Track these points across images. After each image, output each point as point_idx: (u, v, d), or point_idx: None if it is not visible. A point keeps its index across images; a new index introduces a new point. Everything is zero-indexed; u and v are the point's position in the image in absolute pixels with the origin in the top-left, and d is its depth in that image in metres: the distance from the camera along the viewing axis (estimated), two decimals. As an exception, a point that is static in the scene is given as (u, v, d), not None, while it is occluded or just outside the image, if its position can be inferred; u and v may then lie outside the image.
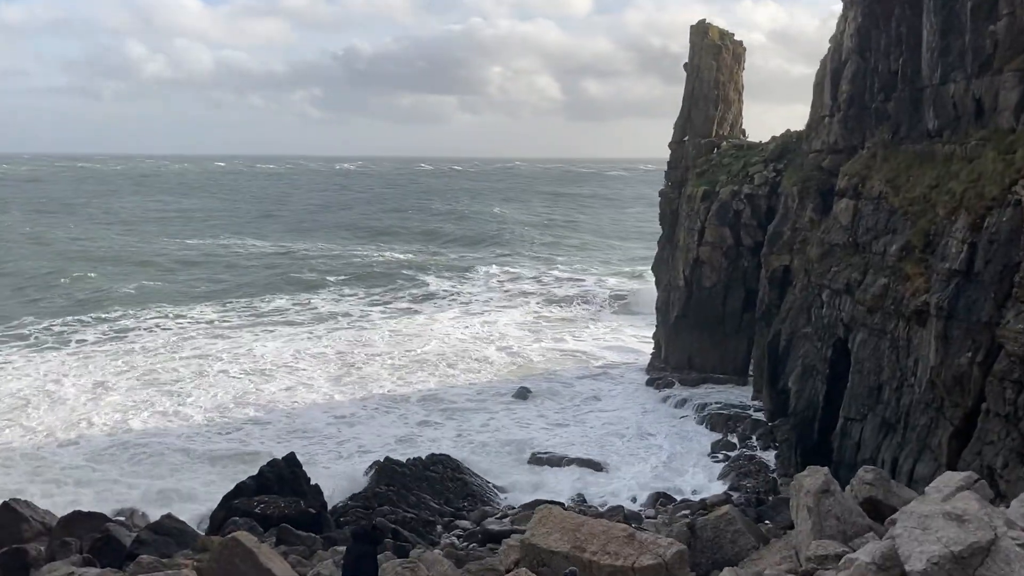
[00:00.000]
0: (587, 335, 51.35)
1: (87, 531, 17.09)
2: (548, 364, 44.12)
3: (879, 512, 12.49)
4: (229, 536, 13.14)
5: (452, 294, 64.58)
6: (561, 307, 59.72)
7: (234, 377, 40.85)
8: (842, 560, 10.07)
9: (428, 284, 68.67)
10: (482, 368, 43.27)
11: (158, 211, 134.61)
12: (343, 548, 18.33)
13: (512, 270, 75.90)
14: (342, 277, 71.08)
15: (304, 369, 42.53)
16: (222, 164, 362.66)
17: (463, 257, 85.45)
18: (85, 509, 19.00)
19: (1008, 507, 10.29)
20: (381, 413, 35.79)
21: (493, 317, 56.07)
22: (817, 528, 11.83)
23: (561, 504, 24.64)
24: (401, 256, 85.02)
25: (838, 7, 33.43)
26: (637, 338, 49.51)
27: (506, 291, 65.60)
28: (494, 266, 78.07)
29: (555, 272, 74.79)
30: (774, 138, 41.30)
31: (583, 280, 70.12)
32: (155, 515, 20.67)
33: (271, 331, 51.13)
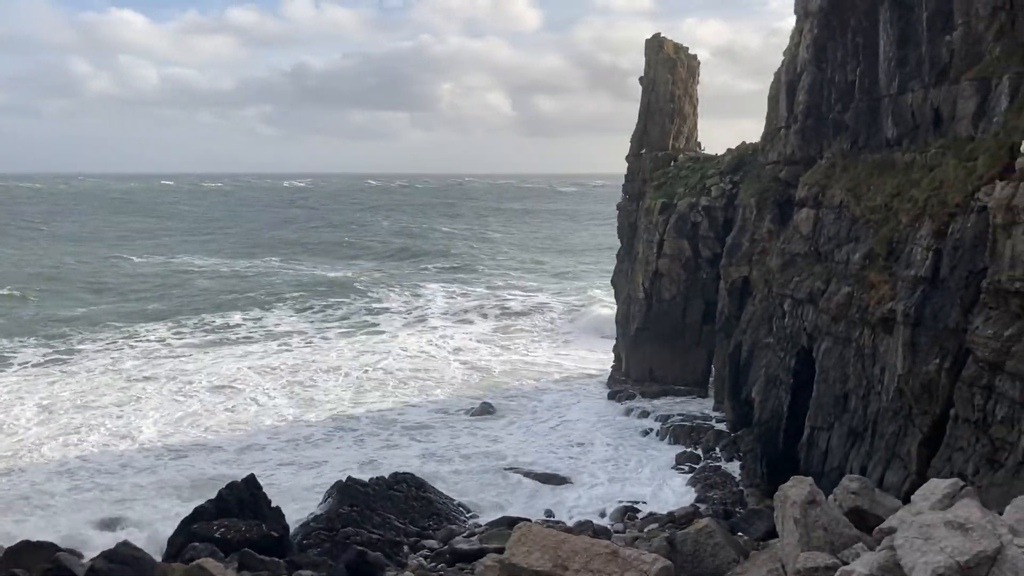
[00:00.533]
0: (545, 349, 51.13)
1: (36, 562, 16.19)
2: (508, 379, 43.73)
3: (865, 522, 12.27)
4: (193, 563, 12.48)
5: (407, 310, 63.89)
6: (517, 321, 59.45)
7: (186, 397, 39.71)
8: (837, 572, 9.84)
9: (381, 300, 67.87)
10: (441, 384, 42.71)
11: (106, 230, 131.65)
12: (307, 572, 17.70)
13: (466, 286, 75.46)
14: (295, 294, 69.88)
15: (258, 388, 41.53)
16: (170, 182, 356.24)
17: (417, 272, 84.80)
18: (33, 539, 18.05)
19: (1002, 514, 10.18)
20: (340, 433, 34.98)
21: (449, 332, 55.56)
22: (804, 540, 11.54)
23: (528, 521, 24.28)
24: (353, 273, 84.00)
25: (781, 24, 34.13)
26: (596, 351, 49.36)
27: (461, 307, 65.07)
28: (447, 282, 77.50)
29: (510, 287, 74.54)
30: (730, 150, 41.59)
31: (538, 295, 69.90)
32: (108, 543, 19.77)
33: (223, 350, 49.97)
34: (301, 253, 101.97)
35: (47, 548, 16.87)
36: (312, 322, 59.19)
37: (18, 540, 17.50)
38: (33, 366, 45.58)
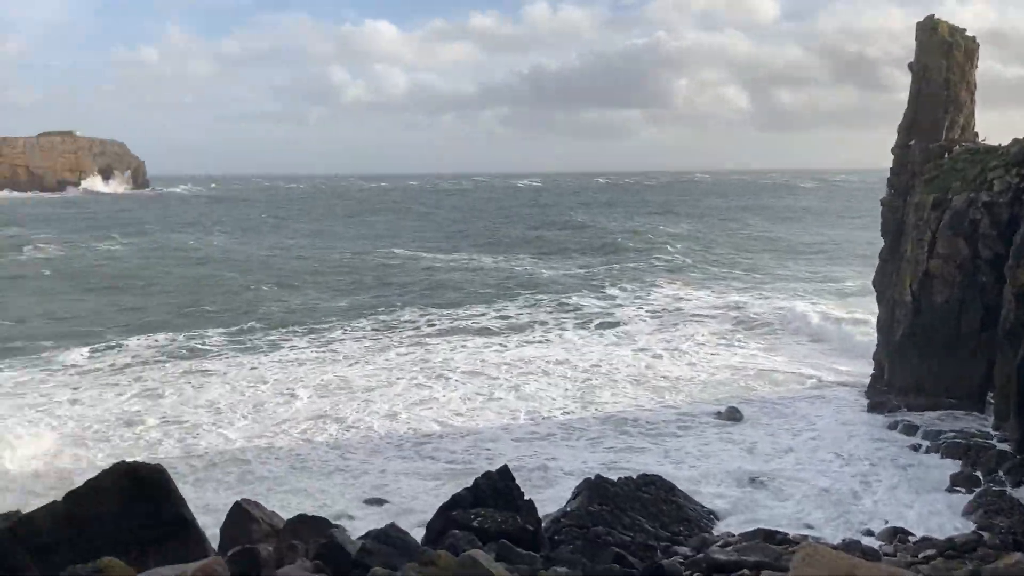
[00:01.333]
0: (790, 355, 48.23)
1: (311, 535, 16.97)
2: (753, 383, 41.67)
3: None
4: (465, 555, 12.49)
5: (636, 308, 62.82)
6: (757, 325, 56.47)
7: (432, 384, 41.27)
8: None
9: (614, 298, 67.33)
10: (678, 385, 41.45)
11: (359, 227, 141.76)
12: (563, 570, 17.37)
13: (701, 286, 73.10)
14: (533, 289, 71.28)
15: (496, 379, 42.39)
16: (415, 183, 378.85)
17: (645, 271, 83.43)
18: (308, 513, 19.05)
19: None
20: (578, 430, 34.72)
21: (684, 333, 53.82)
22: None
23: (786, 534, 22.76)
24: (585, 270, 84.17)
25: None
26: (848, 358, 46.02)
27: (695, 306, 62.99)
28: (680, 282, 75.51)
29: (749, 288, 71.51)
30: (1016, 140, 37.13)
31: (781, 297, 66.25)
32: (372, 523, 20.67)
33: (468, 340, 51.64)
34: (537, 250, 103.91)
35: (321, 523, 17.66)
36: (551, 314, 59.98)
37: (296, 513, 18.49)
38: (298, 350, 49.34)
